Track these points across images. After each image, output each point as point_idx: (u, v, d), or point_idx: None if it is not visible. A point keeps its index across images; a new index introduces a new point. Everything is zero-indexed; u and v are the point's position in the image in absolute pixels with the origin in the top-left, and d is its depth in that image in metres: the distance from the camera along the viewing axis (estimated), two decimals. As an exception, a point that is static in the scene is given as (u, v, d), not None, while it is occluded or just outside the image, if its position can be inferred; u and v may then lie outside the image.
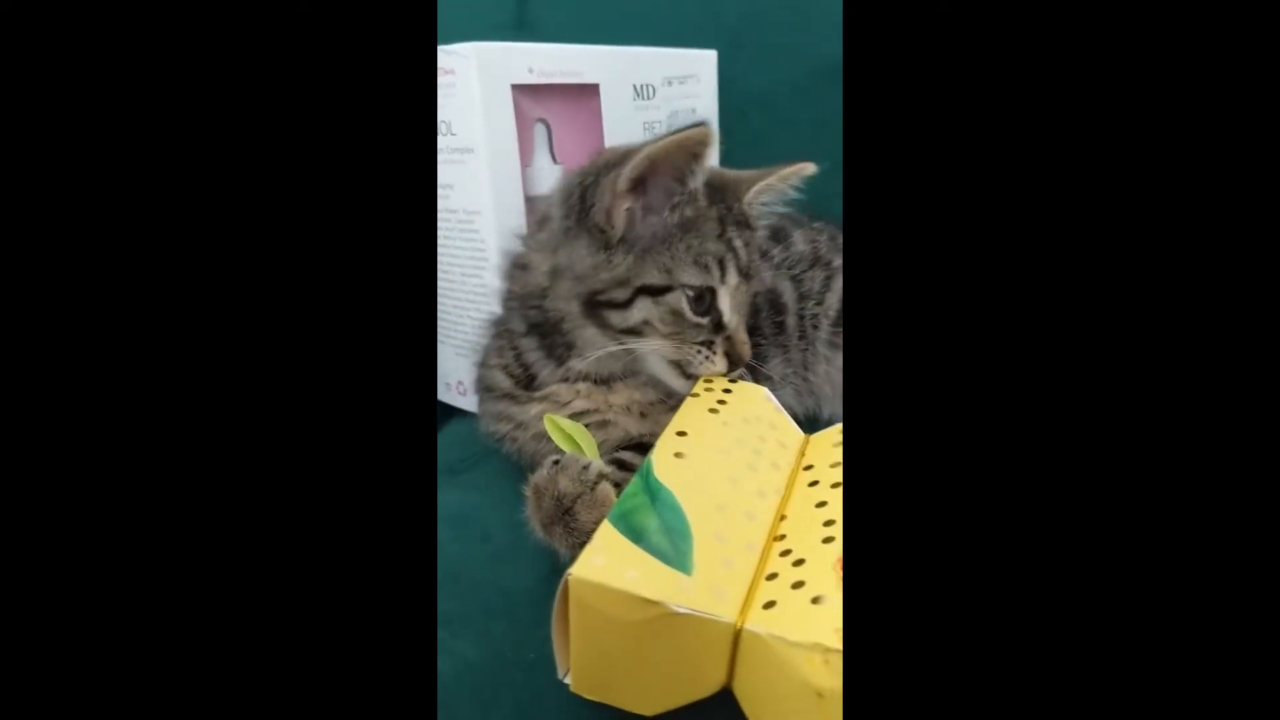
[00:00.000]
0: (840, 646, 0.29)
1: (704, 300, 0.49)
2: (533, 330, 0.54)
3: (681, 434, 0.43)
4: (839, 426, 0.46)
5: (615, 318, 0.49)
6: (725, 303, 0.50)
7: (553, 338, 0.53)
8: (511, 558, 0.49)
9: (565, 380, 0.53)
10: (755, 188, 0.53)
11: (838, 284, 0.64)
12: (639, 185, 0.48)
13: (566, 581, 0.33)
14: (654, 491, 0.38)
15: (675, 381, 0.51)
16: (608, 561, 0.33)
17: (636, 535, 0.35)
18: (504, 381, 0.56)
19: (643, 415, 0.54)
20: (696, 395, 0.48)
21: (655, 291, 0.48)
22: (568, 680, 0.36)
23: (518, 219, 0.62)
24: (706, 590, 0.33)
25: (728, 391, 0.49)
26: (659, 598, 0.31)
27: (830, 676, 0.29)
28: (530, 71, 0.60)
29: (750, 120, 0.90)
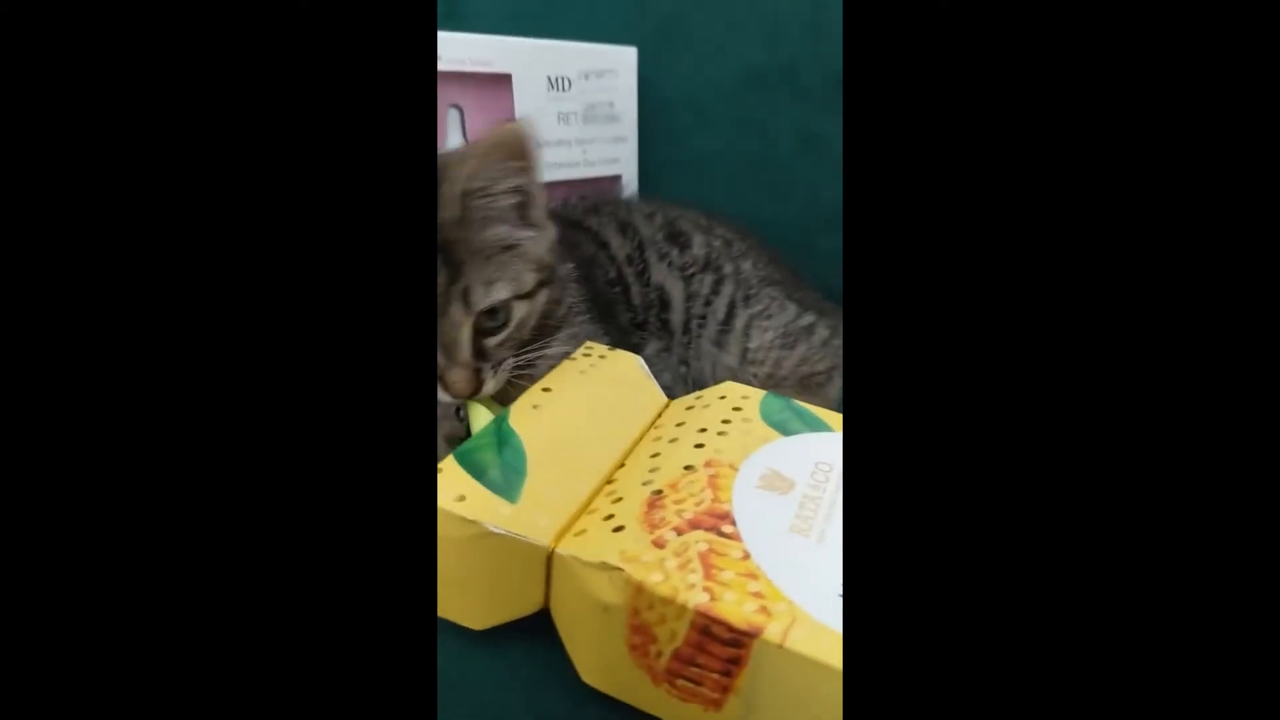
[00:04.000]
0: (621, 566, 0.34)
1: None
2: None
3: (546, 390, 0.48)
4: (695, 394, 0.51)
5: None
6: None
7: None
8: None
9: None
10: (455, 188, 0.46)
11: (726, 290, 0.68)
12: None
13: (402, 504, 0.37)
14: (502, 433, 0.43)
15: None
16: (443, 488, 0.37)
17: (475, 470, 0.39)
18: None
19: None
20: (573, 359, 0.53)
21: None
22: (409, 598, 0.40)
23: (428, 196, 0.66)
24: (525, 517, 0.37)
25: (603, 357, 0.54)
26: (478, 518, 0.36)
27: (613, 592, 0.34)
28: (440, 58, 0.64)
29: (673, 118, 0.95)
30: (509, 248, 0.49)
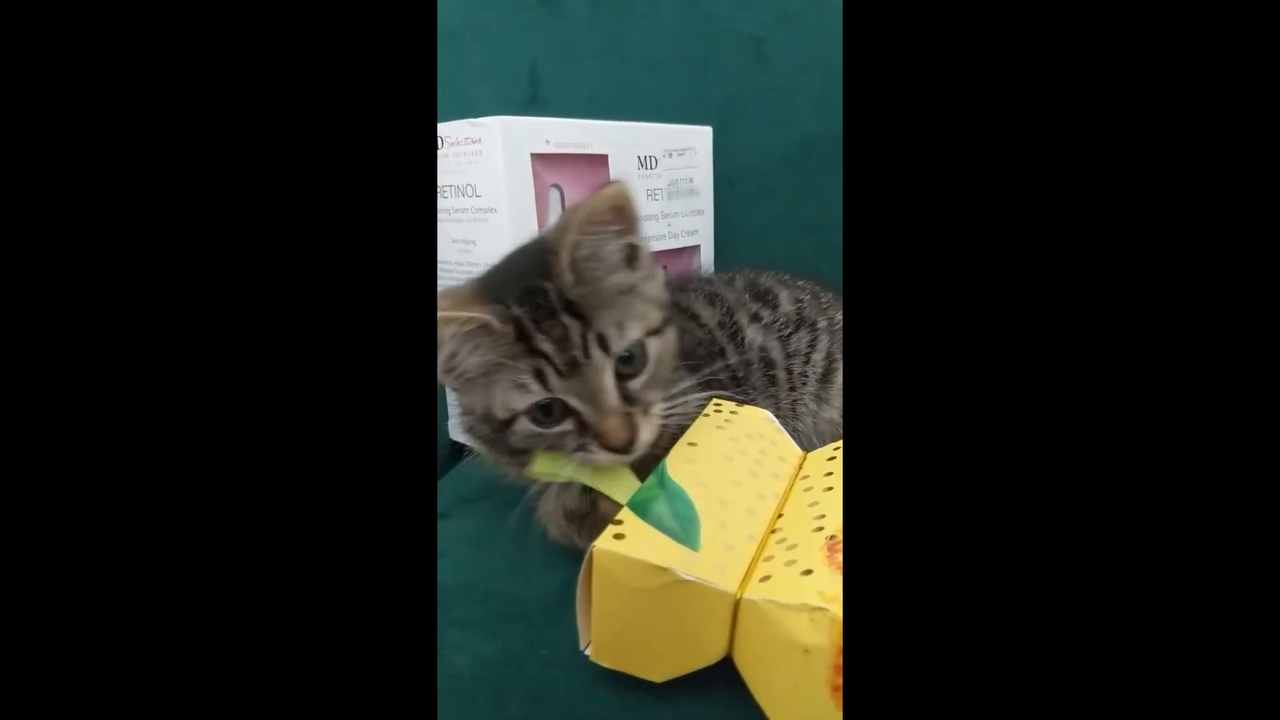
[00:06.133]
0: (825, 606, 0.34)
1: (553, 410, 0.49)
2: None
3: (692, 444, 0.49)
4: (834, 444, 0.52)
5: (511, 441, 0.52)
6: (573, 402, 0.49)
7: None
8: (525, 572, 0.55)
9: None
10: (564, 257, 0.48)
11: (823, 344, 0.69)
12: None
13: (591, 555, 0.38)
14: (667, 485, 0.44)
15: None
16: (627, 536, 0.38)
17: (652, 519, 0.40)
18: (481, 444, 0.59)
19: None
20: (707, 415, 0.54)
21: (506, 424, 0.50)
22: (588, 652, 0.41)
23: (533, 271, 0.69)
24: (711, 564, 0.38)
25: (734, 413, 0.55)
26: (669, 565, 0.37)
27: (815, 634, 0.34)
28: (547, 142, 0.68)
29: (739, 189, 0.99)
30: (626, 291, 0.51)
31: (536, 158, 0.68)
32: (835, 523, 0.41)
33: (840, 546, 0.39)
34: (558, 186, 0.73)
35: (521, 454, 0.55)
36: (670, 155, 0.81)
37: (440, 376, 0.51)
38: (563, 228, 0.50)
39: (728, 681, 0.39)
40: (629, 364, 0.50)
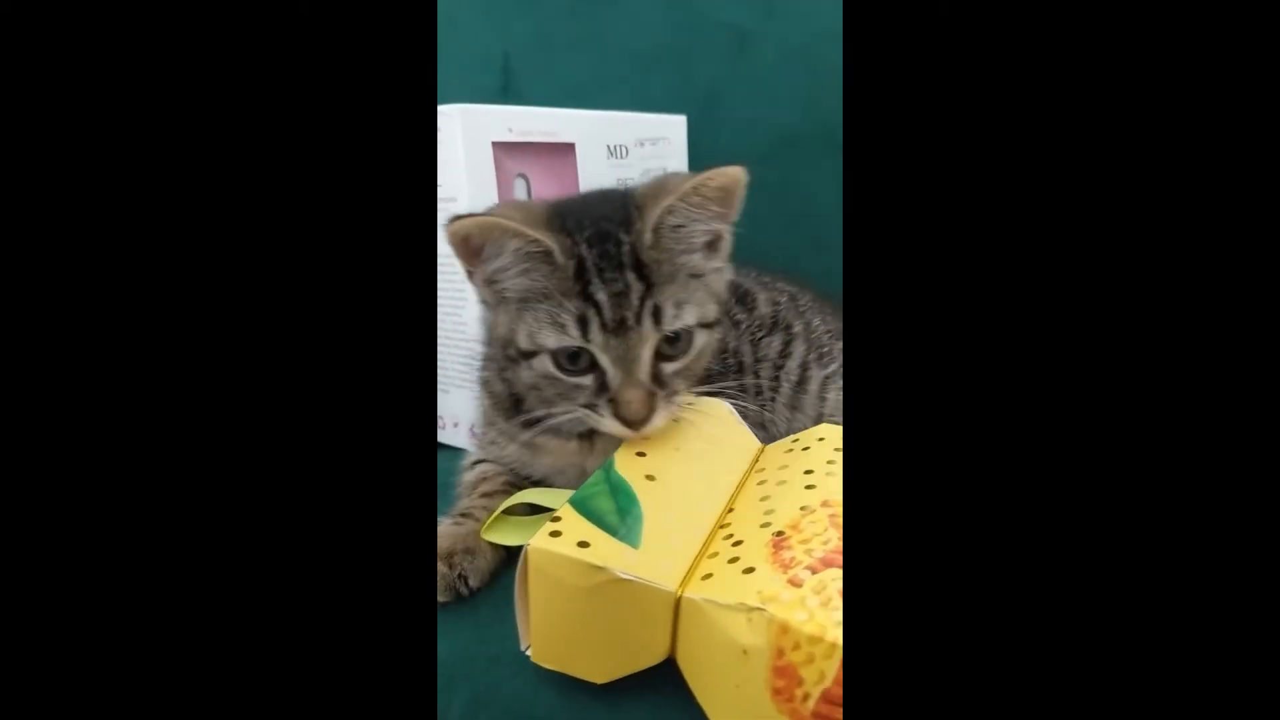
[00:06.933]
0: (763, 606, 0.33)
1: (579, 359, 0.48)
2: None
3: (644, 437, 0.48)
4: (792, 437, 0.51)
5: (520, 375, 0.50)
6: (604, 360, 0.47)
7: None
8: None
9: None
10: (653, 215, 0.47)
11: (798, 351, 0.66)
12: (467, 254, 0.49)
13: (526, 554, 0.37)
14: (612, 481, 0.42)
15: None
16: (563, 534, 0.37)
17: (592, 515, 0.39)
18: (486, 399, 0.58)
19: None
20: None
21: (526, 355, 0.49)
22: (529, 652, 0.39)
23: (497, 262, 0.67)
24: (651, 562, 0.37)
25: (690, 404, 0.53)
26: (606, 564, 0.35)
27: (753, 634, 0.33)
28: (510, 130, 0.67)
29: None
30: (696, 276, 0.50)
31: (498, 146, 0.66)
32: (785, 518, 0.39)
33: (787, 544, 0.37)
34: (523, 176, 0.71)
35: (512, 405, 0.54)
36: (642, 144, 0.80)
37: (476, 282, 0.50)
38: (660, 188, 0.50)
39: (677, 683, 0.37)
40: (672, 346, 0.49)
